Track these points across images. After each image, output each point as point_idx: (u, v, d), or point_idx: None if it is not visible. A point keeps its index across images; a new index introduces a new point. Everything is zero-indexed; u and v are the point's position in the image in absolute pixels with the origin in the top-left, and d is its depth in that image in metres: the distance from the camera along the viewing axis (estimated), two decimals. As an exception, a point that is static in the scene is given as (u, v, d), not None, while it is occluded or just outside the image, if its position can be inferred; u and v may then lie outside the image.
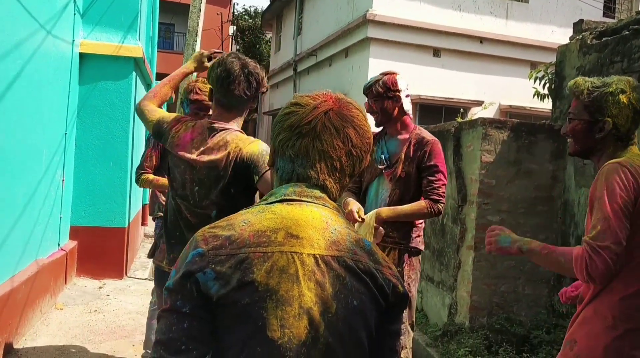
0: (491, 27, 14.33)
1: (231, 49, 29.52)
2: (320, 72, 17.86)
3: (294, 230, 1.19)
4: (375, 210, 3.11)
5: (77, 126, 6.32)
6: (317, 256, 1.19)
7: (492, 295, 4.70)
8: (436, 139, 3.28)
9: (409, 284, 3.19)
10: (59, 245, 5.81)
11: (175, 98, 3.65)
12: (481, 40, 14.31)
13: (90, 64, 6.33)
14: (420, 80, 13.94)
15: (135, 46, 6.52)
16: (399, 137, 3.30)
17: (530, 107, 13.95)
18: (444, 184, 3.19)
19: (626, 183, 1.97)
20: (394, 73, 3.38)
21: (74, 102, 6.11)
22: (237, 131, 2.59)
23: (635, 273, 2.01)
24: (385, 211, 3.10)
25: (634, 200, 1.97)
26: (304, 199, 1.25)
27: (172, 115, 2.74)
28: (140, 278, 6.76)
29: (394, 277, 1.27)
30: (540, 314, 4.72)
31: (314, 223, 1.22)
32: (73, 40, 5.91)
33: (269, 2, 24.40)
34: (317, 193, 1.27)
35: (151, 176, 3.93)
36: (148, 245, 8.34)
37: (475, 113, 12.03)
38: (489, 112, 12.81)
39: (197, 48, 6.72)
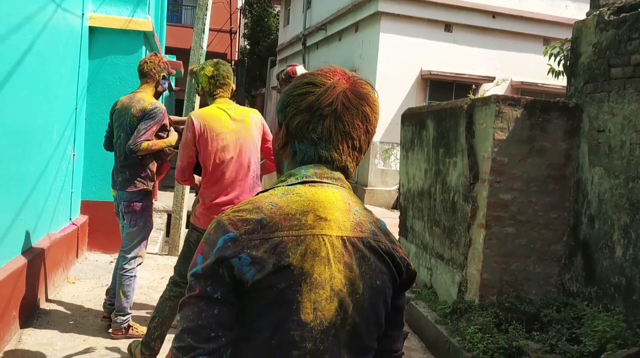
0: (504, 1, 14.09)
1: (239, 23, 29.28)
2: (330, 46, 17.70)
3: (322, 212, 1.19)
4: None
5: (87, 100, 6.31)
6: (345, 238, 1.20)
7: (502, 273, 4.69)
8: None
9: None
10: (70, 219, 5.85)
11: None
12: (494, 15, 14.10)
13: (99, 38, 6.29)
14: (431, 55, 13.80)
15: (145, 19, 6.46)
16: None
17: (543, 84, 13.80)
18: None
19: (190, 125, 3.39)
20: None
21: (84, 76, 6.09)
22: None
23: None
24: None
25: (196, 137, 3.36)
26: (324, 181, 1.24)
27: None
28: (150, 253, 6.80)
29: (406, 256, 1.31)
30: (551, 293, 4.72)
31: (338, 205, 1.22)
32: (83, 14, 5.87)
33: (278, -25, 24.11)
34: (337, 174, 1.27)
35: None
36: (158, 219, 8.38)
37: (487, 90, 11.93)
38: (500, 89, 12.68)
39: (207, 22, 6.65)
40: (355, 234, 1.22)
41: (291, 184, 1.24)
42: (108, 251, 6.47)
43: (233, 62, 28.58)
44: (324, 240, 1.17)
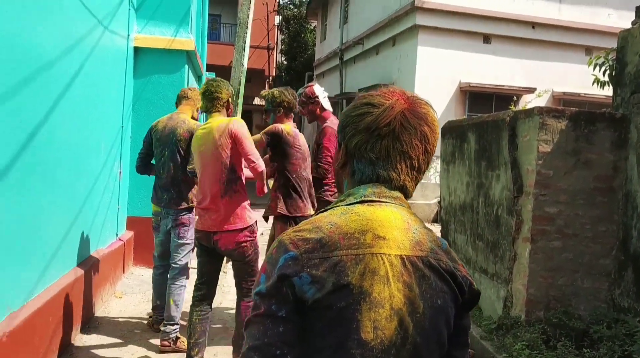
0: (544, 11, 13.92)
1: (277, 39, 29.62)
2: (367, 61, 17.74)
3: (380, 231, 1.20)
4: None
5: (132, 119, 6.47)
6: (404, 257, 1.20)
7: (549, 288, 4.59)
8: (332, 126, 4.61)
9: None
10: (117, 235, 5.98)
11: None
12: (533, 25, 13.93)
13: (144, 58, 6.46)
14: (469, 67, 13.70)
15: (187, 39, 6.61)
16: (322, 126, 4.71)
17: (585, 94, 13.53)
18: (327, 156, 4.44)
19: None
20: (311, 85, 4.81)
21: (129, 95, 6.26)
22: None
23: None
24: None
25: None
26: (383, 200, 1.25)
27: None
28: (193, 268, 6.88)
29: (469, 275, 1.29)
30: (600, 308, 4.60)
31: (397, 224, 1.22)
32: (128, 35, 6.05)
33: (314, -9, 24.34)
34: (396, 193, 1.28)
35: None
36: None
37: (529, 101, 11.74)
38: (542, 100, 12.49)
39: (248, 40, 6.76)
40: (415, 253, 1.21)
41: (350, 204, 1.25)
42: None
43: (271, 78, 28.92)
44: (382, 259, 1.18)
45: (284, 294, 1.15)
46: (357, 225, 1.20)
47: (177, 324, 4.37)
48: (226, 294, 5.77)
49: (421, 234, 1.25)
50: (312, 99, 4.75)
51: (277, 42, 29.93)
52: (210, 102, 3.85)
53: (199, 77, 9.05)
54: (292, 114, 4.33)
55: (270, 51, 27.18)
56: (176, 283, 4.48)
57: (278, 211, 4.12)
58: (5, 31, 2.95)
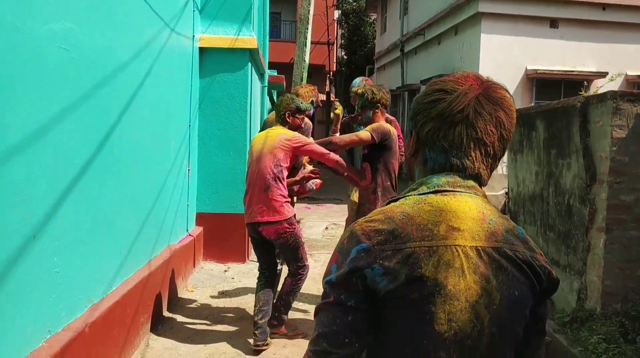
0: (615, -8, 13.29)
1: (336, 34, 29.63)
2: (428, 51, 17.48)
3: (455, 222, 1.18)
4: None
5: (199, 117, 6.65)
6: (479, 248, 1.18)
7: (626, 279, 4.41)
8: (394, 118, 4.99)
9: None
10: (187, 230, 6.17)
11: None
12: (603, 7, 13.31)
13: (208, 58, 6.62)
14: (536, 54, 13.26)
15: (250, 37, 6.72)
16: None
17: (662, 76, 12.85)
18: (402, 144, 4.80)
19: None
20: (368, 79, 5.20)
21: (195, 95, 6.43)
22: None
23: None
24: None
25: None
26: (457, 189, 1.22)
27: None
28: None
29: (547, 263, 1.25)
30: (683, 300, 4.37)
31: (471, 214, 1.20)
32: (193, 36, 6.21)
33: (373, -16, 24.20)
34: (470, 182, 1.25)
35: None
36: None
37: (600, 86, 11.26)
38: (614, 84, 11.93)
39: (309, 36, 6.82)
40: (490, 244, 1.19)
41: (423, 194, 1.23)
42: (221, 260, 6.76)
43: (331, 73, 28.97)
44: (457, 251, 1.16)
45: (354, 284, 1.16)
46: (431, 216, 1.18)
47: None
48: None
49: (497, 224, 1.22)
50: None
51: (336, 37, 29.93)
52: (277, 114, 4.57)
53: (261, 75, 9.18)
54: (385, 111, 4.54)
55: (330, 46, 27.22)
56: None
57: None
58: (81, 38, 3.10)
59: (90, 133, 3.32)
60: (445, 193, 1.22)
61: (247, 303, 5.40)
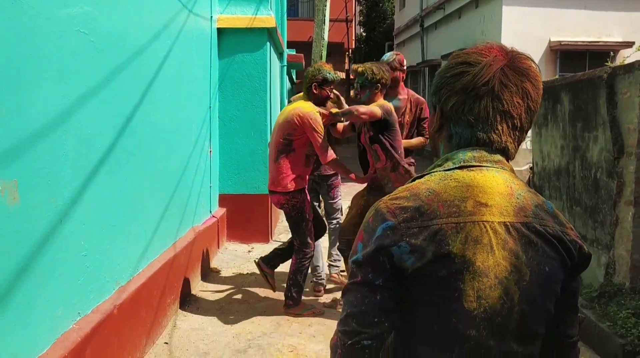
0: (641, -43, 12.90)
1: (355, 11, 29.31)
2: (449, 25, 17.22)
3: (482, 198, 1.16)
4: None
5: (219, 98, 6.64)
6: (508, 223, 1.16)
7: (656, 253, 4.33)
8: (425, 100, 4.98)
9: None
10: (210, 212, 6.21)
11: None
12: (629, -26, 12.95)
13: (227, 38, 6.58)
14: (559, 25, 12.97)
15: (268, 16, 6.67)
16: (399, 96, 4.87)
17: (691, 45, 12.48)
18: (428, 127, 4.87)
19: None
20: (399, 54, 4.98)
21: (215, 76, 6.42)
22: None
23: None
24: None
25: None
26: (483, 164, 1.20)
27: None
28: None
29: (578, 238, 1.22)
30: None
31: (499, 189, 1.17)
32: (211, 17, 6.18)
33: (391, -42, 23.82)
34: (497, 157, 1.21)
35: None
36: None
37: (627, 56, 10.98)
38: (641, 54, 11.64)
39: (327, 13, 6.75)
40: (519, 219, 1.17)
41: (448, 170, 1.21)
42: (245, 241, 6.80)
43: (350, 50, 28.72)
44: (485, 227, 1.14)
45: (381, 263, 1.14)
46: (457, 192, 1.16)
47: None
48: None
49: (525, 199, 1.20)
50: (403, 67, 4.89)
51: (355, 14, 29.60)
52: (304, 86, 4.64)
53: (280, 54, 9.13)
54: (384, 91, 4.44)
55: (348, 23, 26.93)
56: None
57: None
58: (100, 22, 3.09)
59: (112, 117, 3.33)
60: (471, 169, 1.19)
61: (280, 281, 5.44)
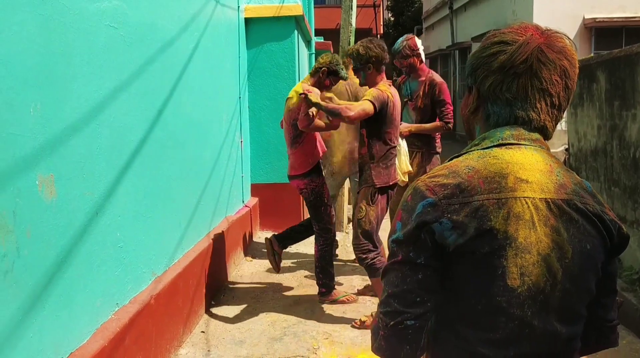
0: None
1: (382, -4, 29.00)
2: (478, 7, 16.93)
3: (522, 174, 1.14)
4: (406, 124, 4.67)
5: (249, 89, 6.65)
6: (549, 200, 1.14)
7: (700, 233, 4.21)
8: (443, 81, 4.86)
9: None
10: (243, 201, 6.25)
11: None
12: (666, -55, 12.51)
13: (255, 28, 6.58)
14: (593, 1, 12.64)
15: (295, 4, 6.64)
16: (419, 79, 4.82)
17: None
18: (451, 111, 4.72)
19: None
20: (412, 37, 4.82)
21: (244, 66, 6.43)
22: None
23: None
24: (413, 127, 4.73)
25: None
26: (521, 142, 1.18)
27: None
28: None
29: (617, 218, 1.21)
30: None
31: (538, 166, 1.16)
32: (238, 7, 6.18)
33: (418, -59, 23.49)
34: (535, 135, 1.20)
35: None
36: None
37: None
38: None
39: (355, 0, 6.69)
40: (560, 196, 1.15)
41: (486, 148, 1.20)
42: (277, 230, 6.78)
43: (379, 36, 28.50)
44: (526, 203, 1.13)
45: (423, 241, 1.13)
46: (497, 168, 1.15)
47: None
48: (350, 254, 5.86)
49: (564, 176, 1.18)
50: (415, 51, 4.75)
51: (382, -1, 29.32)
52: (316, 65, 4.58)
53: (308, 42, 9.09)
54: (384, 68, 4.18)
55: (376, 8, 26.71)
56: None
57: (374, 182, 4.08)
58: (129, 15, 3.12)
59: (143, 109, 3.36)
60: (509, 146, 1.18)
61: (306, 270, 5.46)
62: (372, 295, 4.71)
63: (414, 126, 4.73)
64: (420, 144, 4.81)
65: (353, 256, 5.40)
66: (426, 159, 4.81)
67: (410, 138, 4.71)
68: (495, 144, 1.19)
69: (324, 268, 4.61)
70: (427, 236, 1.13)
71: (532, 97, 1.19)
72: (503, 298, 1.12)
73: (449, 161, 1.24)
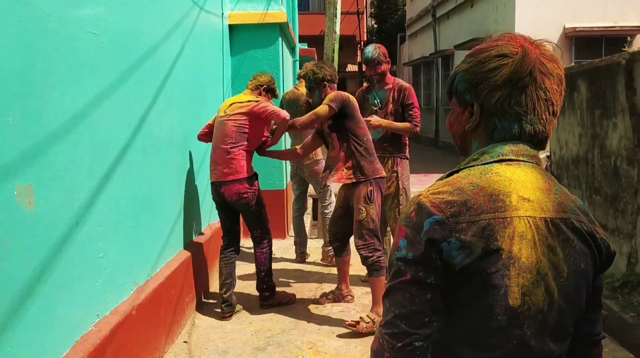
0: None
1: (366, 3, 29.16)
2: (461, 15, 17.07)
3: (524, 193, 1.14)
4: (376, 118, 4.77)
5: (232, 95, 6.61)
6: (548, 219, 1.14)
7: (679, 241, 4.26)
8: (410, 86, 5.04)
9: (403, 181, 4.91)
10: (226, 209, 6.19)
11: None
12: (645, -44, 12.73)
13: (239, 35, 6.57)
14: (574, 10, 12.81)
15: (279, 11, 6.64)
16: (386, 87, 4.97)
17: None
18: (419, 114, 4.91)
19: None
20: (379, 45, 5.05)
21: (227, 73, 6.40)
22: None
23: None
24: (384, 122, 4.79)
25: None
26: (520, 158, 1.17)
27: None
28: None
29: (606, 236, 1.21)
30: None
31: (538, 184, 1.16)
32: (222, 13, 6.16)
33: (401, -51, 23.65)
34: (533, 151, 1.20)
35: None
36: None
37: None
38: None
39: (339, 7, 6.70)
40: (558, 215, 1.15)
41: (487, 163, 1.18)
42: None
43: (362, 43, 28.61)
44: (529, 222, 1.12)
45: (433, 260, 1.10)
46: (500, 186, 1.13)
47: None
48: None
49: (562, 194, 1.18)
50: (387, 58, 4.98)
51: (366, 6, 29.46)
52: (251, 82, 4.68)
53: (292, 49, 9.08)
54: (335, 86, 4.53)
55: (360, 16, 26.81)
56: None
57: (356, 179, 4.24)
58: (111, 22, 3.08)
59: (126, 117, 3.32)
60: (509, 163, 1.17)
61: (289, 278, 5.43)
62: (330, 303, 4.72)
63: (384, 121, 4.82)
64: (392, 150, 4.96)
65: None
66: (397, 164, 4.95)
67: (382, 143, 4.90)
68: (495, 159, 1.18)
69: (269, 270, 4.67)
70: (437, 256, 1.10)
71: (539, 108, 1.18)
72: (504, 317, 1.11)
73: (447, 176, 1.21)
